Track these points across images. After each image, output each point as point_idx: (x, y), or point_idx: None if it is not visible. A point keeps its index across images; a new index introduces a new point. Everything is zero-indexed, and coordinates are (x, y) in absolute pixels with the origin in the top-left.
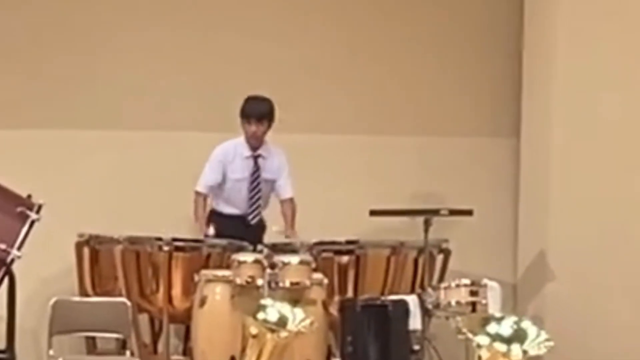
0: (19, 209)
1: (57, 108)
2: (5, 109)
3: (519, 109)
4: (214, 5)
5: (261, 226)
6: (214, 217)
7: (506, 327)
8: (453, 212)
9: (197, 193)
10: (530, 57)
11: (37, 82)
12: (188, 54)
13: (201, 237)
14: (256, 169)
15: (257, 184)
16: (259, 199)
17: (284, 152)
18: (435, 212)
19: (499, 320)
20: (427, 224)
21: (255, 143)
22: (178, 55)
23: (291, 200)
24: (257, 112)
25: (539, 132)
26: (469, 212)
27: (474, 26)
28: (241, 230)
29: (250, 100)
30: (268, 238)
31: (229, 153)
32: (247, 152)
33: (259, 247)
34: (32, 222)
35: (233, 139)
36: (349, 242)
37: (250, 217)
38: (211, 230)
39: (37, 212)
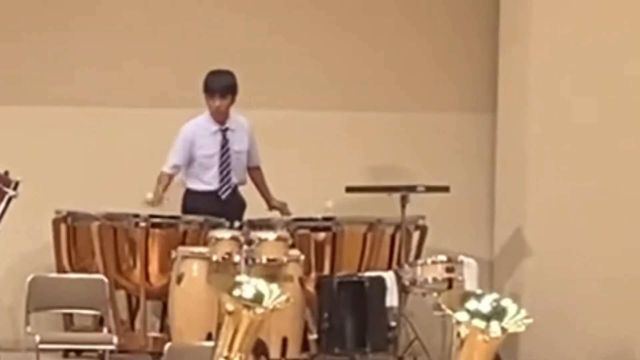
0: None
1: (32, 84)
2: None
3: (496, 84)
4: None
5: (239, 201)
6: (189, 195)
7: (485, 304)
8: (429, 189)
9: (162, 173)
10: (507, 31)
11: (11, 58)
12: (162, 29)
13: (177, 213)
14: (225, 143)
15: (227, 157)
16: (229, 172)
17: (248, 121)
18: (412, 188)
19: (478, 297)
20: (403, 200)
21: (220, 117)
22: (152, 30)
23: (259, 168)
24: (220, 87)
25: (515, 107)
26: (445, 189)
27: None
28: (216, 206)
29: (212, 75)
30: (251, 215)
31: (195, 130)
32: (214, 127)
33: (236, 223)
34: (10, 199)
35: (198, 116)
36: (325, 219)
37: (221, 191)
38: (149, 195)
39: (15, 188)
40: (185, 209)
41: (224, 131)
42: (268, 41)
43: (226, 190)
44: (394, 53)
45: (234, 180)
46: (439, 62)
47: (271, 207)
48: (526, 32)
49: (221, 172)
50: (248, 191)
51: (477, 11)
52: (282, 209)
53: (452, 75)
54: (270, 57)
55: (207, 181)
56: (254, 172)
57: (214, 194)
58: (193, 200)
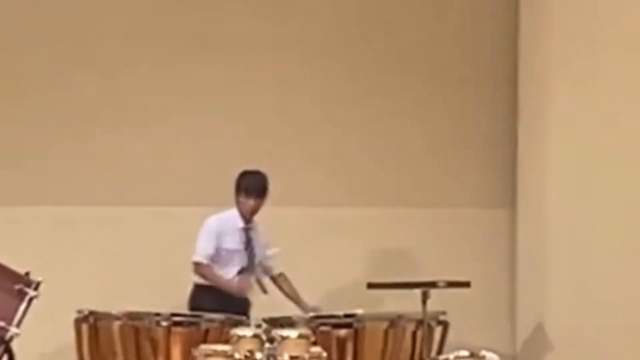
0: (18, 287)
1: (54, 185)
2: (1, 186)
3: (514, 180)
4: (206, 77)
5: (246, 299)
6: (200, 290)
7: None
8: (450, 284)
9: (198, 264)
10: (525, 128)
11: (34, 160)
12: (180, 128)
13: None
14: (249, 241)
15: (251, 252)
16: (251, 266)
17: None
18: (433, 284)
19: None
20: (424, 296)
21: (252, 217)
22: (170, 129)
23: (283, 274)
24: (258, 188)
25: (535, 202)
26: (466, 284)
27: (466, 95)
28: (232, 302)
29: (248, 175)
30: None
31: (224, 224)
32: (241, 224)
33: (257, 321)
34: (31, 299)
35: (226, 211)
36: (347, 316)
37: None
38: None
39: (36, 289)
40: (195, 305)
41: (247, 230)
42: (286, 140)
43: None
44: (412, 151)
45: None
46: (458, 158)
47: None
48: (545, 127)
49: (247, 267)
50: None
51: (495, 108)
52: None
53: (471, 171)
54: (288, 155)
55: (226, 276)
56: (279, 280)
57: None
58: (203, 296)
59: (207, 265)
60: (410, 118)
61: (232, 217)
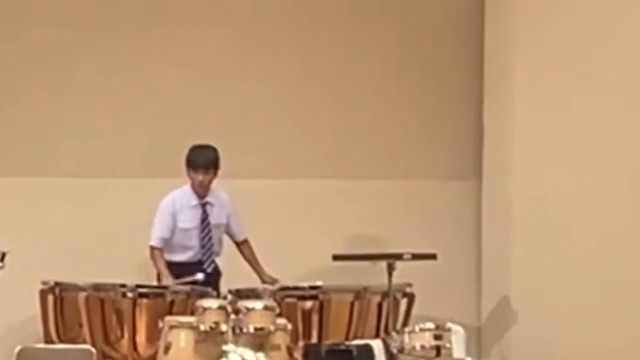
0: None
1: (18, 156)
2: None
3: (481, 152)
4: (163, 49)
5: (217, 272)
6: (170, 267)
7: None
8: (416, 256)
9: (153, 248)
10: (491, 100)
11: None
12: (147, 101)
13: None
14: (205, 217)
15: (208, 231)
16: (211, 246)
17: (228, 194)
18: (399, 256)
19: None
20: (390, 268)
21: (202, 192)
22: (137, 102)
23: (247, 240)
24: (204, 162)
25: (500, 174)
26: (432, 256)
27: (435, 68)
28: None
29: (195, 150)
30: (225, 285)
31: (177, 203)
32: (195, 201)
33: (223, 292)
34: None
35: (179, 189)
36: (312, 288)
37: (205, 264)
38: (200, 275)
39: (1, 260)
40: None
41: (203, 205)
42: (253, 111)
43: (210, 263)
44: (380, 122)
45: (215, 253)
46: (424, 130)
47: (263, 282)
48: (510, 100)
49: (203, 246)
50: (228, 259)
51: (461, 81)
52: (273, 284)
53: (438, 143)
54: (256, 127)
55: (186, 253)
56: (242, 246)
57: (196, 265)
58: (172, 269)
59: (159, 250)
60: (377, 92)
61: (186, 194)
